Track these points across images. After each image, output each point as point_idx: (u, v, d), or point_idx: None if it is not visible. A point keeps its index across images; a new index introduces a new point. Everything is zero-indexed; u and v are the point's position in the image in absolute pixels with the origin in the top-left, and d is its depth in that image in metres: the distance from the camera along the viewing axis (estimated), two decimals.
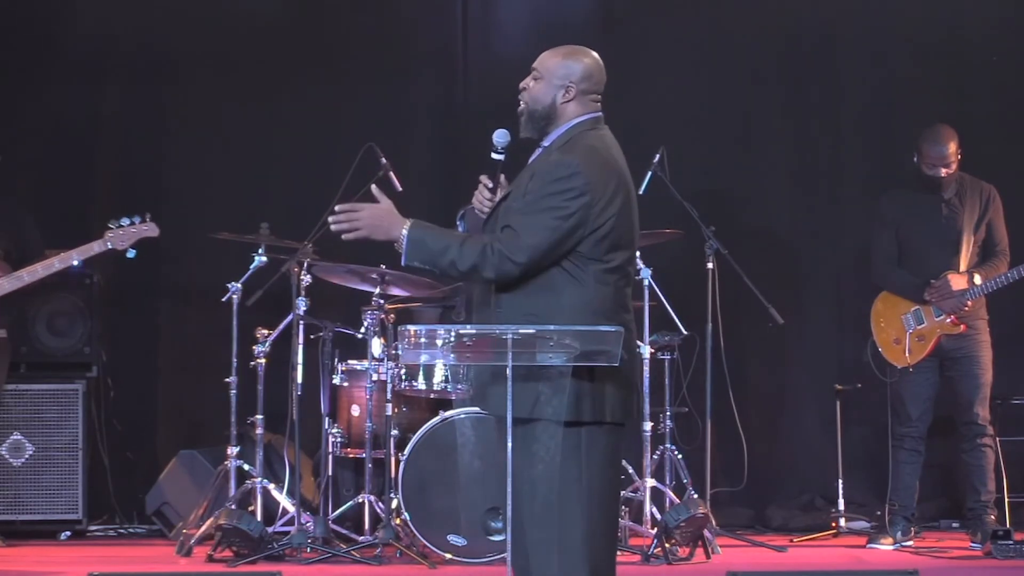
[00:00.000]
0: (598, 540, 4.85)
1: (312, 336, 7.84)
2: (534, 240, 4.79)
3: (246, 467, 7.94)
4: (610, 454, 4.89)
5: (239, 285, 7.89)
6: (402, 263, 4.88)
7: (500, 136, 5.02)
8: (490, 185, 5.02)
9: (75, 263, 7.79)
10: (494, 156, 5.02)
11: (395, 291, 8.02)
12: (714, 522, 7.86)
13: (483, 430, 7.34)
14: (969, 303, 7.95)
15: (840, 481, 8.67)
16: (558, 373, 4.77)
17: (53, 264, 7.80)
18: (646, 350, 7.90)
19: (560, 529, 4.78)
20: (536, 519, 4.81)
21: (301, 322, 7.69)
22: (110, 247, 7.72)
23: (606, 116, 5.07)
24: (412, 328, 4.80)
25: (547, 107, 4.97)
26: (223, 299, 7.93)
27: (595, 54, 5.05)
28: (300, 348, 7.73)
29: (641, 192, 8.03)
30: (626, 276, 4.97)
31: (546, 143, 5.00)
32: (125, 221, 7.72)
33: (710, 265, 8.09)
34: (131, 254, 7.74)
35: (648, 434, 7.90)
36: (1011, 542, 7.55)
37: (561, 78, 4.97)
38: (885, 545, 8.03)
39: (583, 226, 4.82)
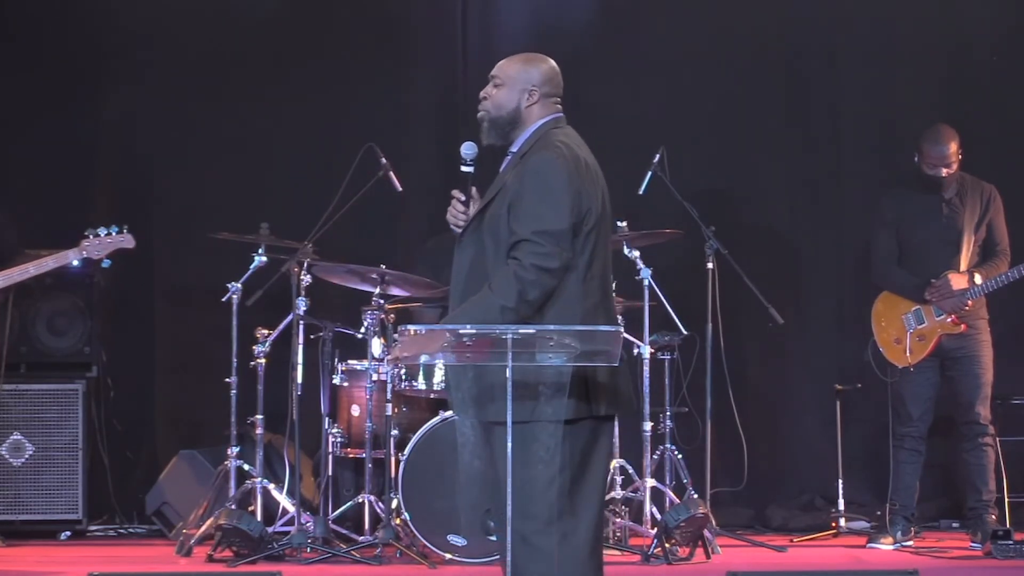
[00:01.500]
0: (586, 533, 4.86)
1: (312, 336, 7.84)
2: (557, 244, 4.82)
3: (246, 467, 7.94)
4: (594, 447, 4.91)
5: (239, 285, 7.89)
6: None
7: (468, 148, 5.09)
8: (462, 199, 5.05)
9: (50, 269, 7.77)
10: (463, 169, 5.08)
11: (395, 291, 8.02)
12: (714, 522, 7.85)
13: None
14: (969, 303, 7.94)
15: (840, 481, 8.67)
16: (552, 375, 4.79)
17: (28, 269, 7.75)
18: (646, 350, 7.91)
19: (545, 524, 4.80)
20: (520, 514, 4.83)
21: (301, 322, 7.69)
22: (85, 256, 7.68)
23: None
24: (412, 328, 4.81)
25: (512, 112, 5.07)
26: (223, 299, 7.93)
27: (552, 60, 5.17)
28: (300, 348, 7.73)
29: (641, 192, 8.06)
30: (607, 269, 5.02)
31: (514, 148, 5.06)
32: (102, 231, 7.68)
33: (710, 265, 8.09)
34: (105, 264, 7.71)
35: (648, 434, 7.91)
36: (1011, 542, 7.55)
37: (524, 83, 5.09)
38: (885, 545, 8.03)
39: (579, 219, 4.85)
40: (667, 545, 7.43)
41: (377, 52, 9.30)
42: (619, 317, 7.73)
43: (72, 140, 9.21)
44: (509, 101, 5.07)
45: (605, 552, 7.53)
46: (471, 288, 4.94)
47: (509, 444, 4.75)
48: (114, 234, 7.68)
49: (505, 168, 5.05)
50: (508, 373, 4.71)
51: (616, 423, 7.97)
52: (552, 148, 4.94)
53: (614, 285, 7.88)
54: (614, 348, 4.69)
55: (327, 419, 7.82)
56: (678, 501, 7.70)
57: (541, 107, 5.07)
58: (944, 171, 8.01)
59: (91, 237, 7.66)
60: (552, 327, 4.74)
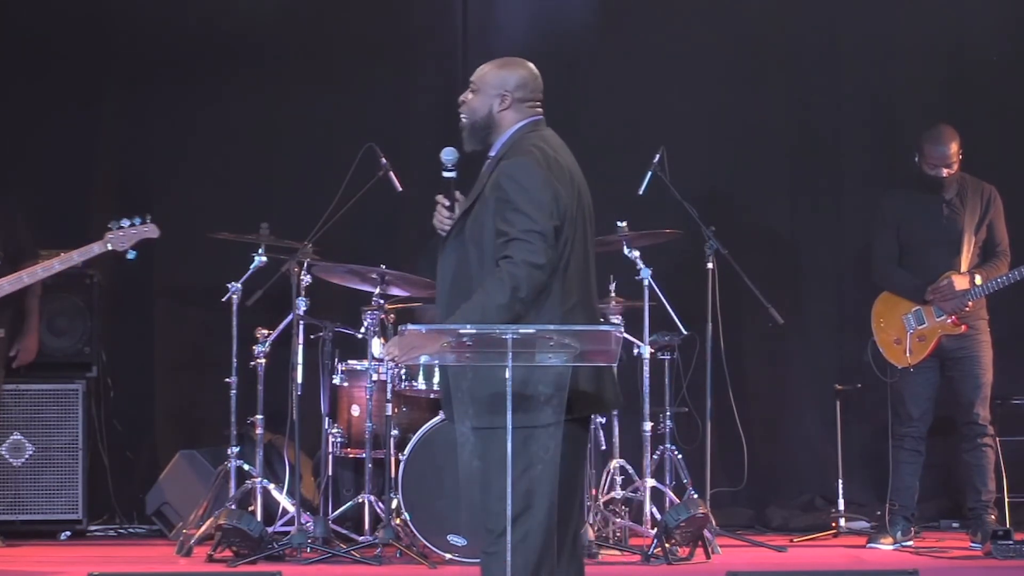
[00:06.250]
0: (541, 535, 4.87)
1: (312, 336, 7.84)
2: (544, 242, 4.86)
3: (246, 467, 7.94)
4: (566, 448, 4.88)
5: (239, 285, 7.89)
6: None
7: (448, 154, 5.18)
8: (447, 203, 5.10)
9: (76, 264, 7.80)
10: (445, 174, 5.12)
11: (395, 291, 8.02)
12: (714, 522, 7.85)
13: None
14: (970, 303, 7.94)
15: (840, 481, 8.67)
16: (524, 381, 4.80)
17: (53, 265, 7.80)
18: (646, 350, 7.91)
19: (508, 522, 4.82)
20: (485, 513, 4.87)
21: (301, 322, 7.69)
22: (110, 248, 7.72)
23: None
24: (412, 328, 4.81)
25: (485, 117, 5.12)
26: (223, 299, 7.93)
27: (530, 64, 5.20)
28: (300, 348, 7.73)
29: (641, 192, 8.06)
30: (586, 269, 5.04)
31: (492, 152, 5.11)
32: (125, 222, 7.71)
33: (710, 265, 8.09)
34: (131, 255, 7.74)
35: (648, 434, 7.91)
36: (1011, 542, 7.55)
37: (496, 87, 5.11)
38: (885, 545, 8.03)
39: (560, 221, 4.90)
40: (667, 545, 7.42)
41: (377, 52, 9.30)
42: (609, 318, 7.76)
43: (72, 140, 9.22)
44: (482, 106, 5.12)
45: (605, 552, 7.61)
46: (455, 296, 4.99)
47: (509, 445, 4.74)
48: (138, 224, 7.72)
49: (484, 171, 5.10)
50: (507, 374, 4.70)
51: (613, 421, 8.00)
52: (525, 152, 4.99)
53: (613, 285, 7.98)
54: (613, 348, 4.69)
55: (327, 419, 7.82)
56: (678, 501, 7.70)
57: (515, 111, 5.11)
58: (945, 171, 8.01)
59: (115, 229, 7.69)
60: (552, 327, 4.74)
